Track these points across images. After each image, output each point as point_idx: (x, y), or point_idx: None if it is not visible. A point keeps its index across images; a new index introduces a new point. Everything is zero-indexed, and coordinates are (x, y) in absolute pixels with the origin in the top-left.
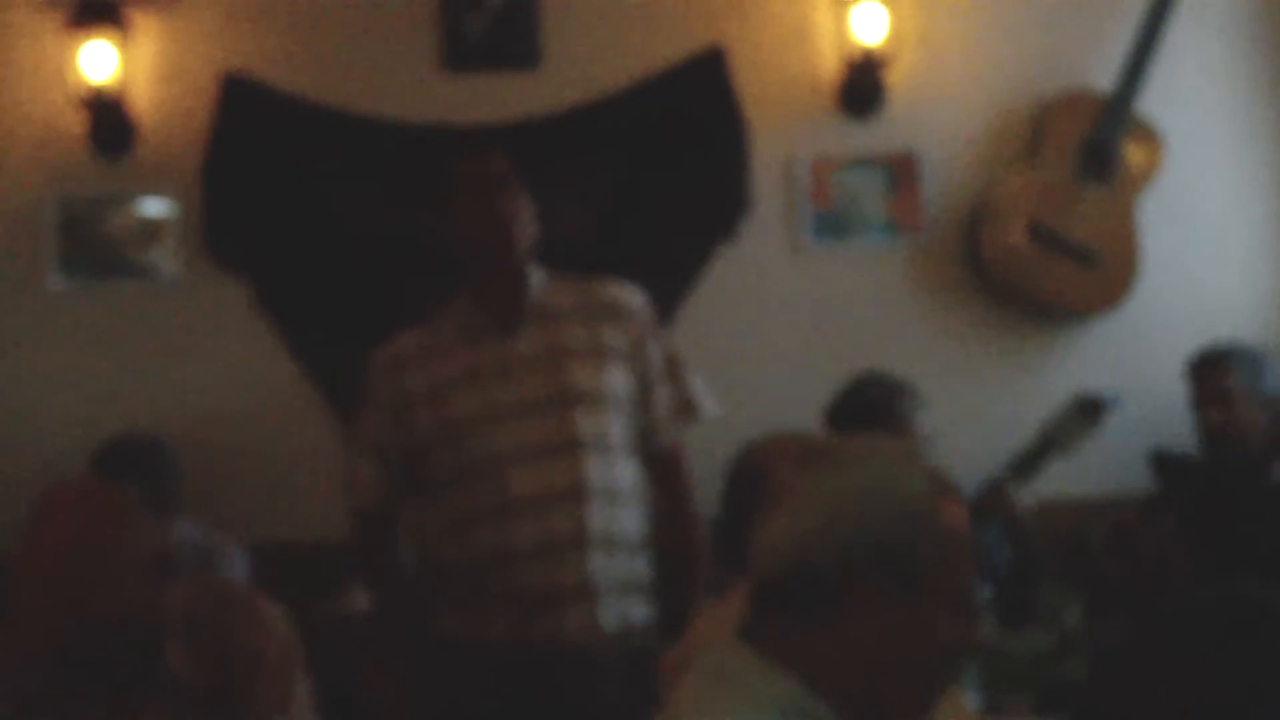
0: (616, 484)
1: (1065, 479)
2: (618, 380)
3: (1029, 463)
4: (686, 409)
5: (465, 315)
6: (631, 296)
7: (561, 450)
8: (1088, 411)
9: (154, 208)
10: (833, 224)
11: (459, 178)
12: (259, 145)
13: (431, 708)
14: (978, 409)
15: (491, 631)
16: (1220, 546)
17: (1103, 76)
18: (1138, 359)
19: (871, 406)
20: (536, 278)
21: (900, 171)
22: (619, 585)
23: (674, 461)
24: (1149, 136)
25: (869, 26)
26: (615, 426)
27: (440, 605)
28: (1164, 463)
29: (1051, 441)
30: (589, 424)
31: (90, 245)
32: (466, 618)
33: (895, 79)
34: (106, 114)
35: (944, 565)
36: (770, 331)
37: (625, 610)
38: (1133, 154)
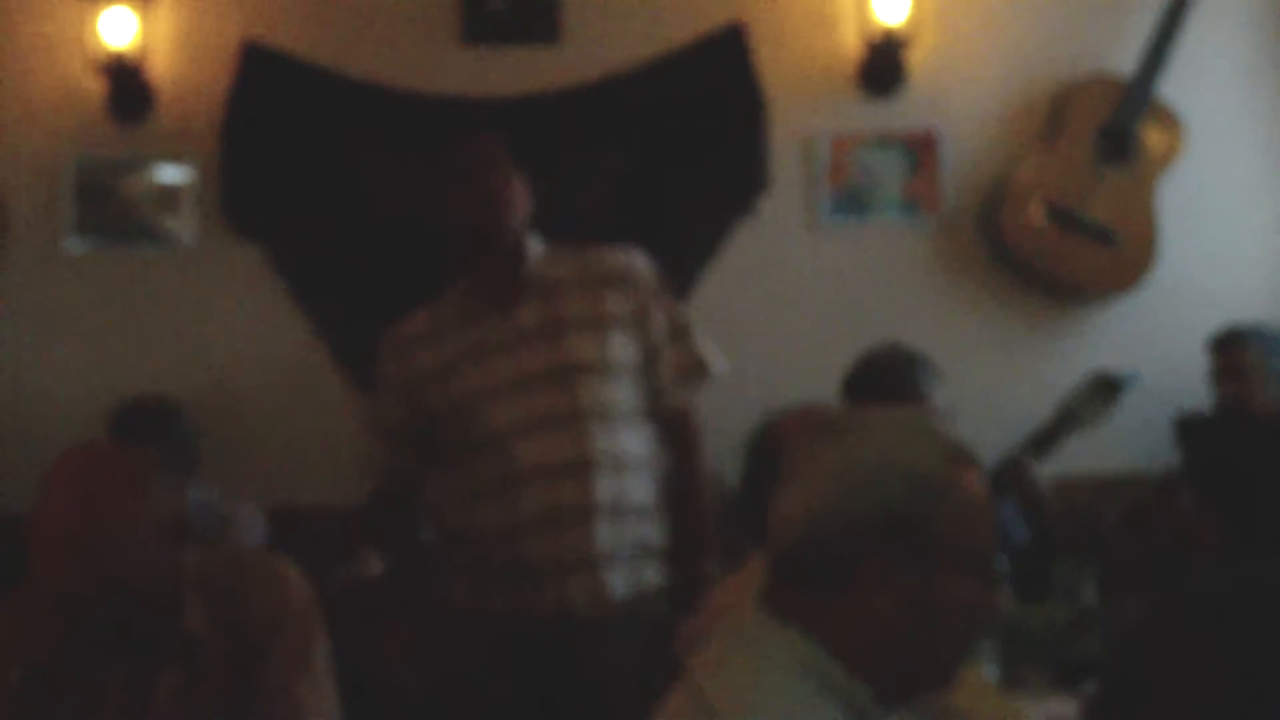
0: (623, 452)
1: (1082, 456)
2: (621, 348)
3: (1046, 440)
4: (696, 369)
5: (465, 294)
6: (633, 260)
7: (565, 421)
8: (1105, 390)
9: (171, 174)
10: (851, 202)
11: (450, 159)
12: (277, 113)
13: (440, 677)
14: (995, 387)
15: (497, 603)
16: (1243, 515)
17: (1124, 60)
18: (1155, 339)
19: (887, 378)
20: (534, 251)
21: (919, 151)
22: (629, 552)
23: (682, 422)
24: (1169, 120)
25: (890, 6)
26: (620, 394)
27: (449, 576)
28: (1188, 427)
29: (1069, 419)
30: (591, 394)
31: (108, 210)
32: (473, 589)
33: (916, 59)
34: (126, 80)
35: (959, 533)
36: (787, 308)
37: (637, 576)
38: (1153, 137)
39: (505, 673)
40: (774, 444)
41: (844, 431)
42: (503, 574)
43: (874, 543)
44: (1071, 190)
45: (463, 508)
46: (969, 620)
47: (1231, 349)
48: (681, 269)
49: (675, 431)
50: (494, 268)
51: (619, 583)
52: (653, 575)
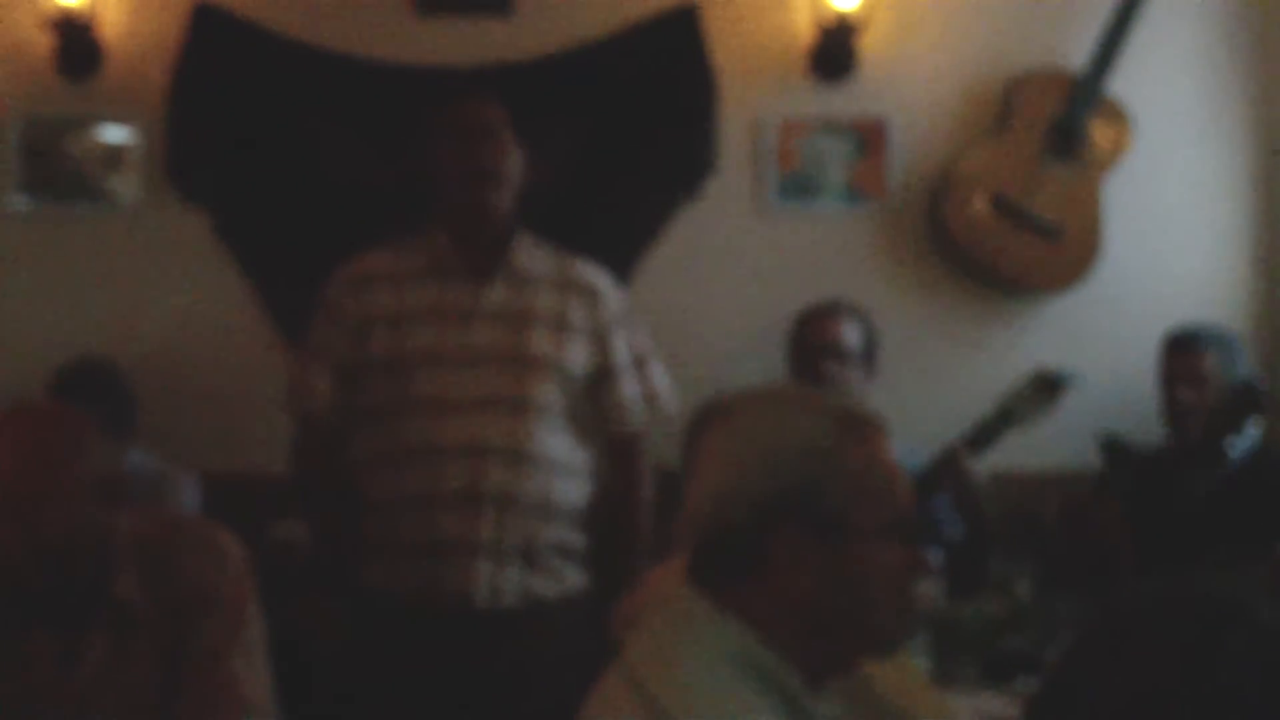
0: (555, 452)
1: (1020, 452)
2: (576, 355)
3: (985, 434)
4: (650, 402)
5: (440, 251)
6: (605, 283)
7: (505, 408)
8: (1046, 387)
9: (117, 134)
10: (798, 187)
11: (448, 121)
12: (226, 76)
13: (356, 654)
14: (936, 378)
15: (405, 579)
16: (1161, 534)
17: (1075, 55)
18: (1097, 337)
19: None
20: (520, 237)
21: (868, 138)
22: (550, 551)
23: (632, 448)
24: (1118, 117)
25: None
26: (562, 397)
27: (363, 547)
28: (1112, 449)
29: (1009, 415)
30: (537, 389)
31: (52, 167)
32: (386, 565)
33: (868, 45)
34: (75, 37)
35: (863, 500)
36: (731, 291)
37: (557, 574)
38: (1101, 134)
39: (413, 654)
40: None
41: (733, 415)
42: (413, 548)
43: (777, 521)
44: (1017, 183)
45: (384, 475)
46: (897, 582)
47: (1190, 353)
48: (626, 248)
49: (622, 454)
50: (477, 236)
51: (534, 579)
52: (574, 577)
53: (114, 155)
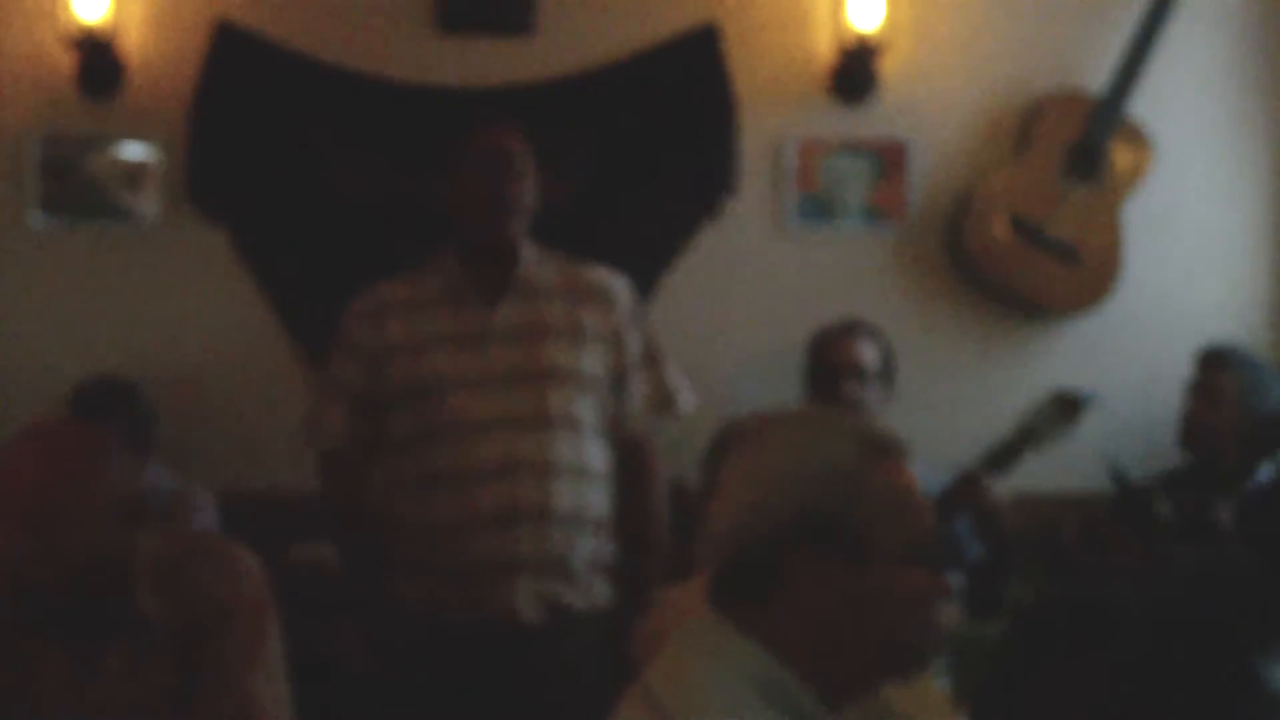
0: (585, 463)
1: (1039, 473)
2: (593, 362)
3: (1004, 456)
4: (664, 402)
5: (452, 276)
6: (615, 283)
7: (531, 424)
8: (1066, 408)
9: (138, 151)
10: (817, 208)
11: (469, 147)
12: (247, 95)
13: (389, 675)
14: (955, 399)
15: (446, 602)
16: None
17: (1096, 77)
18: (1116, 359)
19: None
20: (527, 251)
21: (888, 159)
22: (581, 563)
23: (642, 451)
24: (1139, 139)
25: (865, 13)
26: (585, 406)
27: (399, 572)
28: (1119, 481)
29: (1028, 436)
30: (560, 401)
31: (73, 185)
32: (423, 587)
33: (888, 67)
34: (96, 55)
35: (885, 523)
36: (751, 312)
37: (588, 588)
38: (1121, 156)
39: (452, 672)
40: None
41: (756, 437)
42: (452, 570)
43: (799, 544)
44: (1037, 206)
45: (415, 498)
46: (919, 605)
47: (1212, 368)
48: (645, 269)
49: (631, 458)
50: (488, 259)
51: (568, 592)
52: (603, 590)
53: (134, 173)
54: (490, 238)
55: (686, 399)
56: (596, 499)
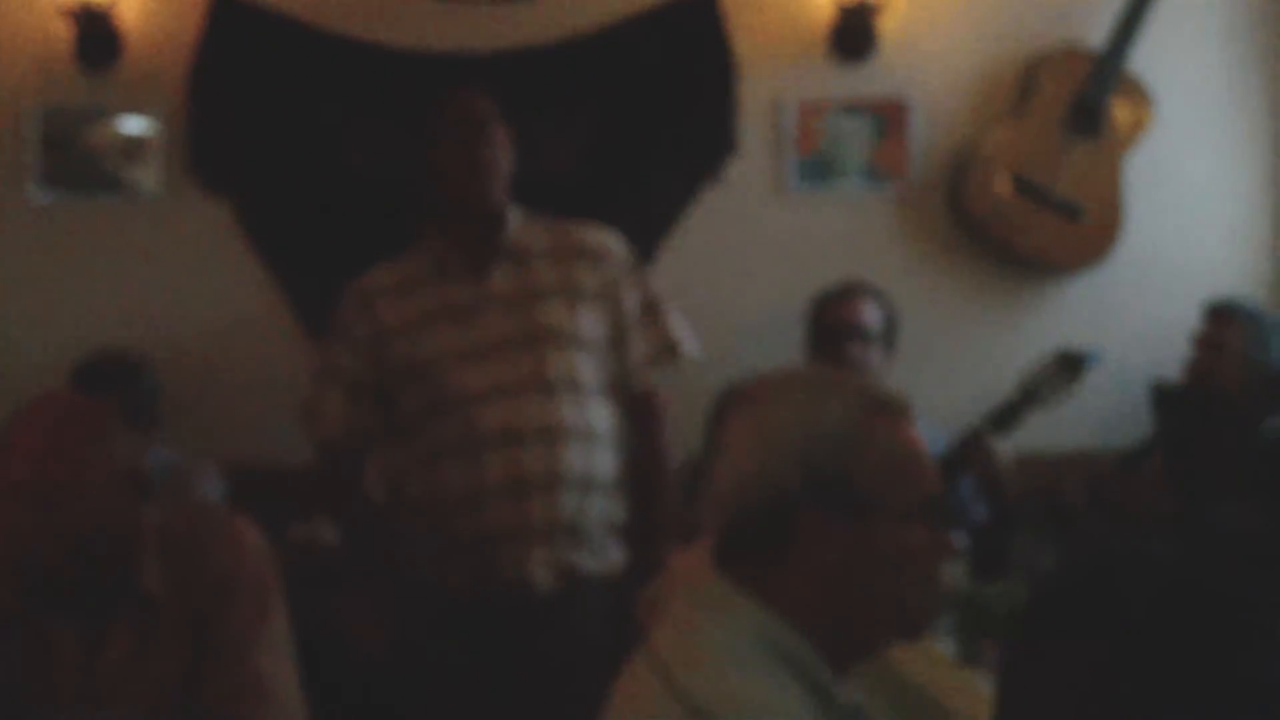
0: (590, 425)
1: (1043, 431)
2: (590, 321)
3: (1007, 415)
4: (666, 350)
5: (439, 252)
6: (607, 239)
7: (533, 389)
8: (1068, 366)
9: (138, 124)
10: (818, 168)
11: (438, 117)
12: (246, 65)
13: (403, 647)
14: (958, 359)
15: (459, 572)
16: (1204, 484)
17: (1095, 33)
18: (1120, 315)
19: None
20: (513, 217)
21: (888, 118)
22: (594, 526)
23: (649, 405)
24: (1139, 95)
25: None
26: (586, 367)
27: (410, 544)
28: (1163, 396)
29: (1031, 395)
30: (560, 363)
31: (73, 159)
32: (435, 557)
33: (887, 26)
34: (94, 27)
35: (888, 481)
36: (753, 274)
37: (601, 551)
38: (1122, 112)
39: (467, 643)
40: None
41: (758, 398)
42: (465, 542)
43: (803, 503)
44: (1038, 162)
45: (423, 474)
46: (924, 564)
47: (1218, 321)
48: (647, 232)
49: (640, 412)
50: (473, 231)
51: (581, 556)
52: (615, 552)
53: (134, 146)
54: (472, 206)
55: (690, 346)
56: (605, 460)
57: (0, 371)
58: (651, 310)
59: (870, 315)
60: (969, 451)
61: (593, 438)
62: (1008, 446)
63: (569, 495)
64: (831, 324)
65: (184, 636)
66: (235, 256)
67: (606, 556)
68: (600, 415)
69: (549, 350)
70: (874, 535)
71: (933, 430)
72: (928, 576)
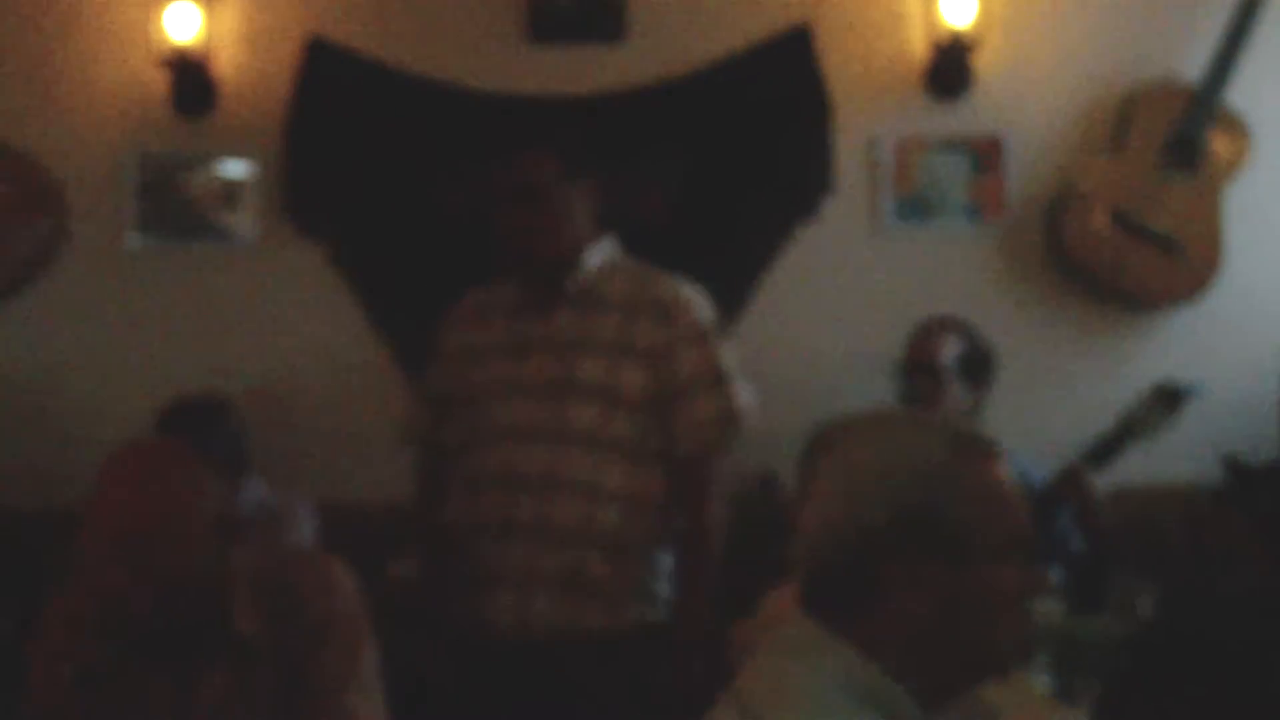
0: (598, 480)
1: (1142, 467)
2: (633, 379)
3: (1106, 449)
4: (725, 418)
5: (513, 285)
6: (687, 297)
7: (548, 437)
8: (1167, 400)
9: (234, 169)
10: (915, 206)
11: (495, 183)
12: (340, 110)
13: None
14: (1057, 393)
15: (462, 612)
16: None
17: (1192, 67)
18: (1219, 350)
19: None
20: (593, 260)
21: (984, 155)
22: (607, 581)
23: (695, 472)
24: (1236, 128)
25: (958, 8)
26: (616, 424)
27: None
28: (1236, 470)
29: (1130, 429)
30: (583, 416)
31: (169, 205)
32: (459, 596)
33: (983, 62)
34: (189, 75)
35: (979, 523)
36: (849, 312)
37: (620, 607)
38: (1219, 145)
39: (464, 684)
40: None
41: (847, 439)
42: (469, 582)
43: (892, 545)
44: (1137, 198)
45: (456, 503)
46: (1014, 605)
47: None
48: (742, 272)
49: (684, 478)
50: (536, 276)
51: (591, 610)
52: (640, 611)
53: (231, 191)
54: (521, 260)
55: (749, 418)
56: (611, 517)
57: (97, 416)
58: (716, 376)
59: (946, 351)
60: (1067, 485)
61: (598, 493)
62: (1104, 480)
63: (562, 547)
64: (909, 361)
65: (278, 678)
66: (331, 299)
67: (624, 614)
68: (617, 472)
69: (575, 401)
70: (964, 575)
71: (1032, 465)
72: (1019, 616)
